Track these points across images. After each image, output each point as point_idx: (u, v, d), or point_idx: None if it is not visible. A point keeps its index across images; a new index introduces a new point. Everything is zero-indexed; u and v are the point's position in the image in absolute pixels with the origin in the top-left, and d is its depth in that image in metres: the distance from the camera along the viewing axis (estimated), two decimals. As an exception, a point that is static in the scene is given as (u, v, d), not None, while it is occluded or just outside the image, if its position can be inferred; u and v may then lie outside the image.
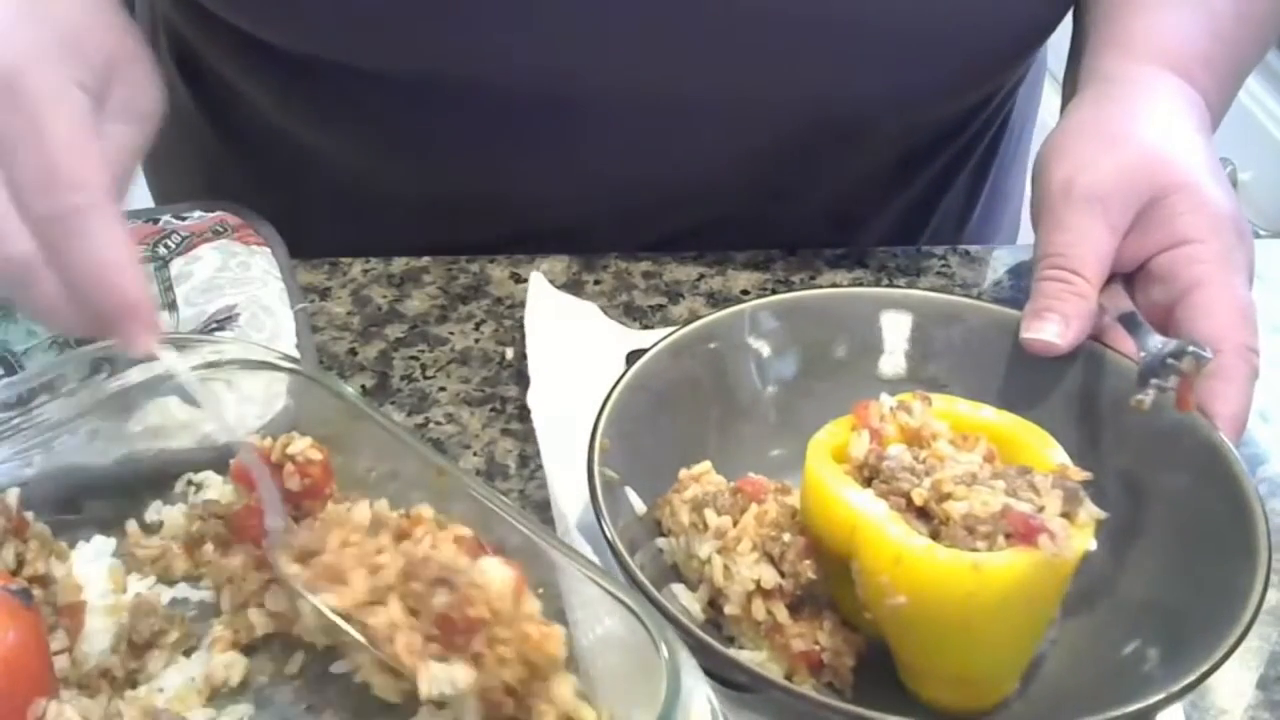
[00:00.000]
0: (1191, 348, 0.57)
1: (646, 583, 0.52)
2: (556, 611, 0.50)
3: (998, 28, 0.73)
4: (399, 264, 0.78)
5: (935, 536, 0.50)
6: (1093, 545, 0.51)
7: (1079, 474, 0.53)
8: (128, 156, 0.56)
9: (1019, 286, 0.78)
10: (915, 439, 0.55)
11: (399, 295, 0.75)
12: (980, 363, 0.64)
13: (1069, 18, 0.76)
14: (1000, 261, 0.81)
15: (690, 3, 0.69)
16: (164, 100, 0.58)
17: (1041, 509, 0.50)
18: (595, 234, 0.79)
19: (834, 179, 0.82)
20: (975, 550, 0.49)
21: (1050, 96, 0.89)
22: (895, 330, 0.66)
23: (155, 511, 0.58)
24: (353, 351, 0.71)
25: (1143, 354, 0.58)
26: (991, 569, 0.49)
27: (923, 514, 0.51)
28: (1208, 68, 0.68)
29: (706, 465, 0.58)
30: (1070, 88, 0.72)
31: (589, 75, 0.72)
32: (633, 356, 0.68)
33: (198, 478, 0.59)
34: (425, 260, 0.78)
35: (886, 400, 0.56)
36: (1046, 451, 0.55)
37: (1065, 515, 0.51)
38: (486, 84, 0.73)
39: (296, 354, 0.65)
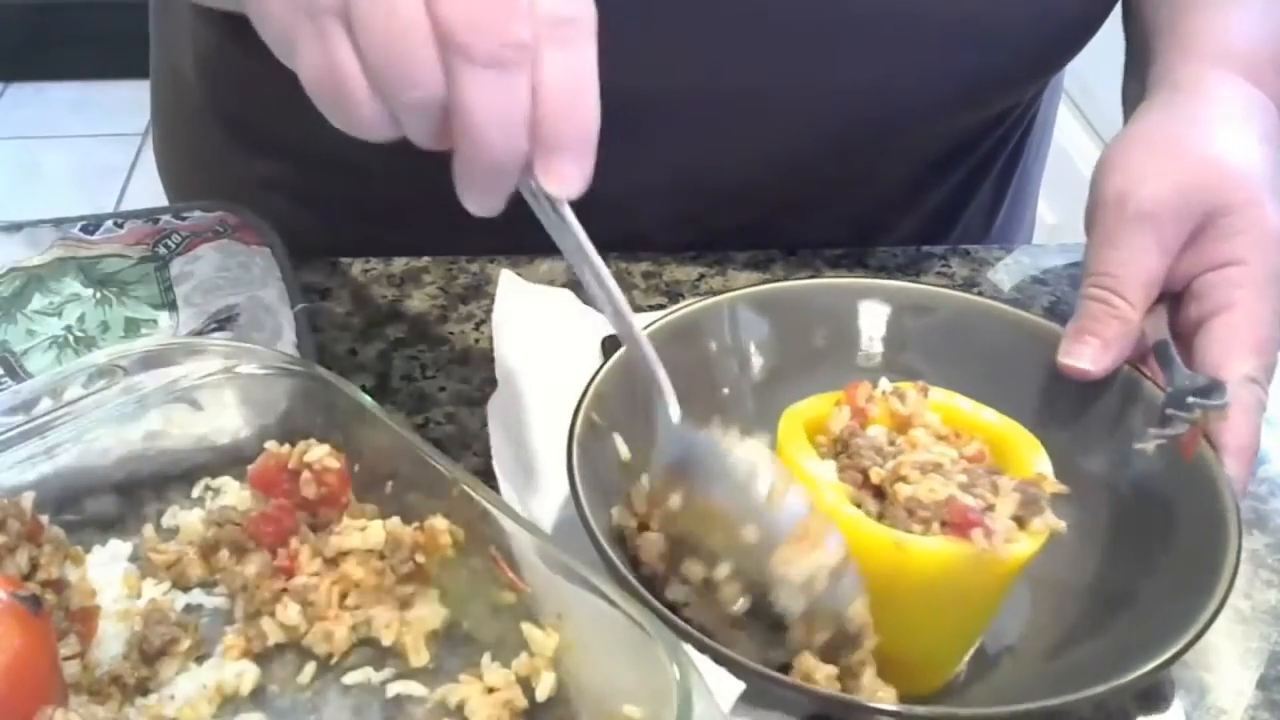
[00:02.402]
0: (1191, 399, 0.56)
1: (631, 578, 0.52)
2: (555, 615, 0.51)
3: (1048, 18, 0.72)
4: (399, 264, 0.78)
5: (881, 517, 0.51)
6: (1063, 533, 0.51)
7: (1053, 485, 0.53)
8: None
9: (1019, 287, 0.78)
10: (904, 427, 0.55)
11: (399, 295, 0.75)
12: (957, 351, 0.64)
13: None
14: (1001, 261, 0.81)
15: (724, 12, 0.69)
16: None
17: (990, 508, 0.50)
18: (611, 242, 0.79)
19: (865, 184, 0.82)
20: (910, 532, 0.50)
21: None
22: (872, 320, 0.66)
23: (172, 516, 0.58)
24: (353, 351, 0.71)
25: (1169, 389, 0.58)
26: (915, 550, 0.49)
27: (880, 495, 0.52)
28: (1278, 69, 0.67)
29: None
30: (1131, 89, 0.71)
31: (610, 76, 0.72)
32: (608, 343, 0.69)
33: (215, 483, 0.59)
34: (425, 260, 0.78)
35: (884, 385, 0.57)
36: (1032, 458, 0.54)
37: (1018, 519, 0.51)
38: None
39: (296, 354, 0.65)
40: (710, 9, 0.69)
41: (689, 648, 0.49)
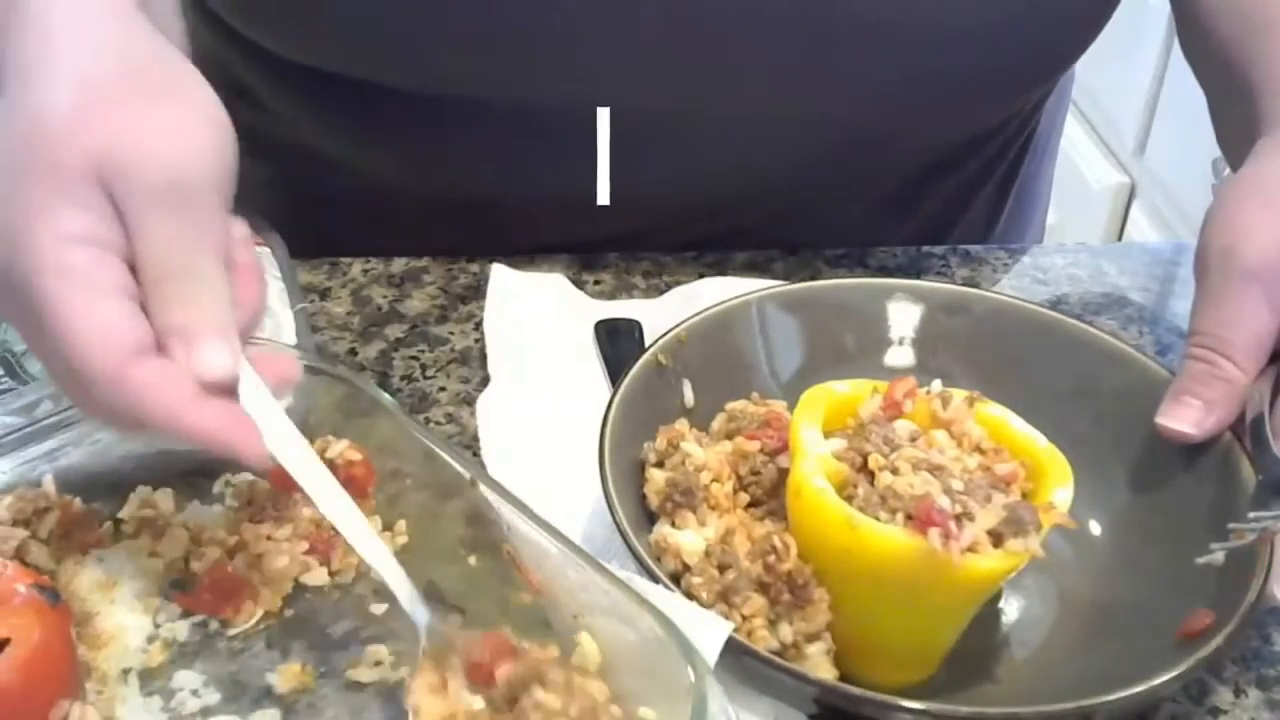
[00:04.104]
0: (1253, 513, 0.53)
1: (622, 519, 0.54)
2: (571, 616, 0.50)
3: (1044, 26, 0.70)
4: (399, 264, 0.78)
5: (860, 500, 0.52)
6: (1042, 550, 0.50)
7: (1058, 517, 0.52)
8: (185, 239, 0.47)
9: (1018, 287, 0.78)
10: (945, 430, 0.55)
11: (399, 295, 0.75)
12: (988, 353, 0.64)
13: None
14: (1000, 262, 0.81)
15: (715, 20, 0.68)
16: (224, 126, 0.51)
17: (968, 516, 0.50)
18: (611, 243, 0.79)
19: (862, 190, 0.82)
20: (876, 519, 0.50)
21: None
22: (902, 320, 0.66)
23: (193, 512, 0.58)
24: (353, 351, 0.71)
25: (1259, 477, 0.55)
26: (866, 532, 0.50)
27: (873, 482, 0.53)
28: None
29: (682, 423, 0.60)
30: (1226, 125, 0.68)
31: (603, 93, 0.72)
32: (600, 327, 0.70)
33: (236, 479, 0.59)
34: (425, 260, 0.78)
35: (935, 385, 0.57)
36: (1054, 487, 0.53)
37: (996, 535, 0.50)
38: (502, 99, 0.73)
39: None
40: (704, 20, 0.69)
41: (673, 595, 0.51)
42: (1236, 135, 0.66)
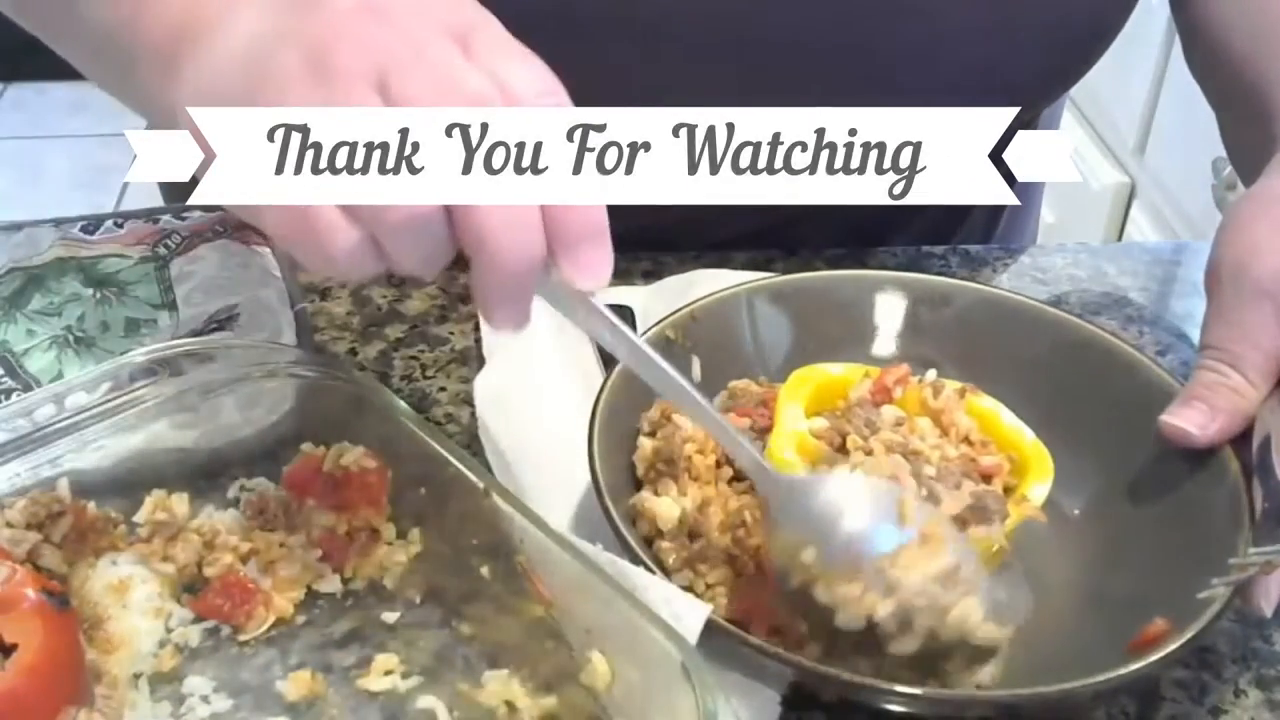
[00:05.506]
0: (1254, 550, 0.52)
1: (603, 487, 0.54)
2: (583, 631, 0.51)
3: (1058, 39, 0.71)
4: (399, 264, 0.78)
5: None
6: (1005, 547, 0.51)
7: (1029, 511, 0.52)
8: None
9: (1018, 287, 0.78)
10: (933, 419, 0.56)
11: (399, 295, 0.75)
12: (974, 343, 0.65)
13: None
14: (1000, 262, 0.81)
15: (719, 57, 0.69)
16: None
17: (932, 499, 0.51)
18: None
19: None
20: None
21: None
22: (888, 311, 0.67)
23: (208, 516, 0.58)
24: (353, 351, 0.71)
25: (1264, 505, 0.54)
26: None
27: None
28: None
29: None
30: (1239, 136, 0.68)
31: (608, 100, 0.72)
32: None
33: (250, 483, 0.59)
34: (425, 260, 0.78)
35: (929, 375, 0.57)
36: (1032, 481, 0.54)
37: (960, 521, 0.51)
38: None
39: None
40: (717, 30, 0.69)
41: (654, 575, 0.50)
42: (1251, 152, 0.66)
